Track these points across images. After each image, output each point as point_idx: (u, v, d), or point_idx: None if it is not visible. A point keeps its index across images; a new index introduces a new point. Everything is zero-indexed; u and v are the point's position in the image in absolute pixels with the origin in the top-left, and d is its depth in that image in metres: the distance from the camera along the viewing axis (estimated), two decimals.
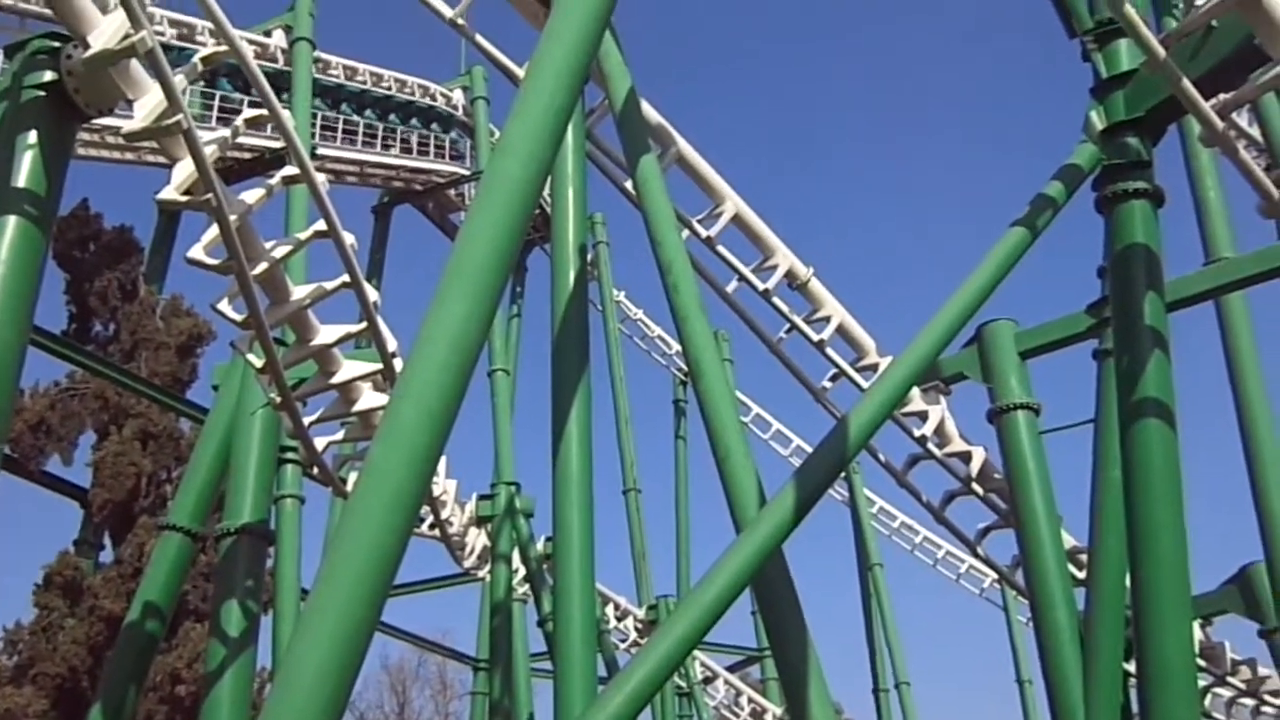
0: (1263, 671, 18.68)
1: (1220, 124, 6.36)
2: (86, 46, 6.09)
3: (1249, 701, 19.78)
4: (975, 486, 15.00)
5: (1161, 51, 6.11)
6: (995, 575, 24.85)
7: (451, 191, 31.36)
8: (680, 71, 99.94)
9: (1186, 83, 6.24)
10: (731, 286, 14.36)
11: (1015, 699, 30.45)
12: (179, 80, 6.13)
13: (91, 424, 25.62)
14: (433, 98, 30.71)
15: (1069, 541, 13.41)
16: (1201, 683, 17.50)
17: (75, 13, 6.11)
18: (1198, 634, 16.95)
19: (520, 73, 10.90)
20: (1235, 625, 15.40)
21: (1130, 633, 8.63)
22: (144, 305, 26.60)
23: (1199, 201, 13.88)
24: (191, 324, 26.37)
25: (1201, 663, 17.31)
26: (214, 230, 6.89)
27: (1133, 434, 7.02)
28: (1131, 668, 8.58)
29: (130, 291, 27.25)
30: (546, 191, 8.01)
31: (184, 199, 6.59)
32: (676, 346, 30.74)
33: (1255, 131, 16.50)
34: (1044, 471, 10.86)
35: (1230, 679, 18.75)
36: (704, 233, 13.72)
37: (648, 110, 11.69)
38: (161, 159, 6.95)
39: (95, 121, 6.83)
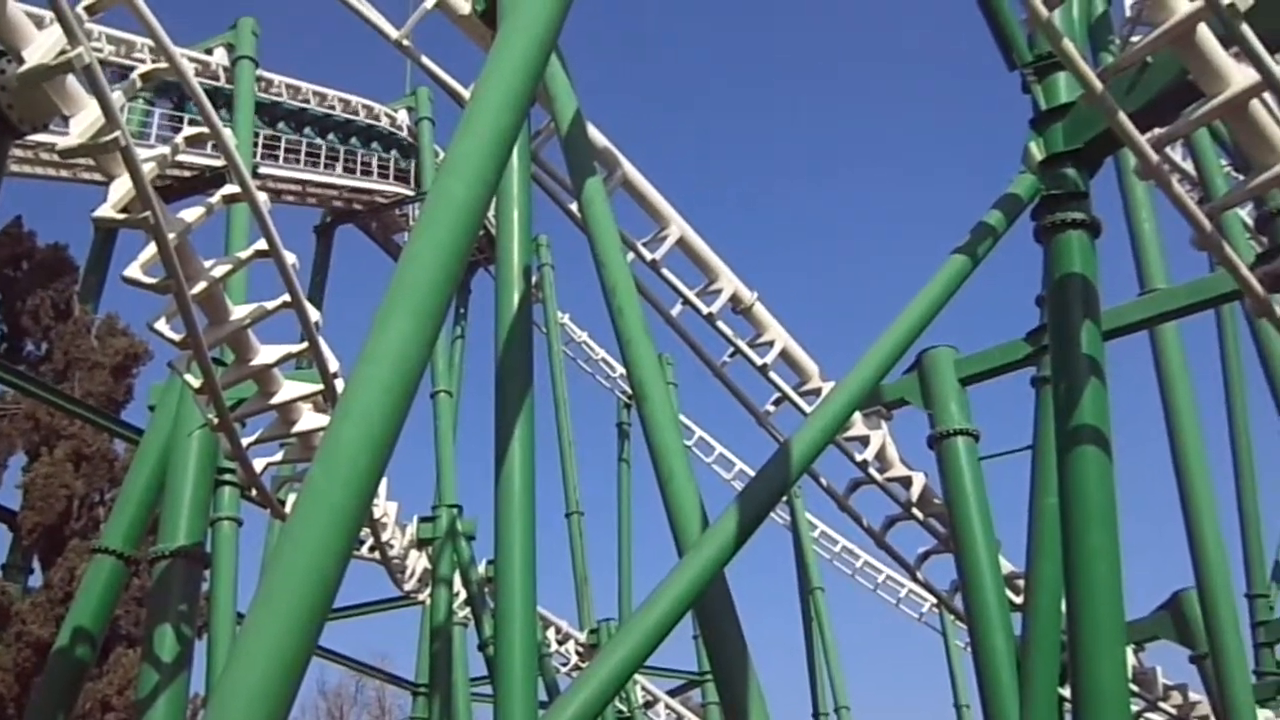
0: (1194, 696, 18.95)
1: (1155, 157, 6.50)
2: (21, 61, 5.98)
3: None
4: (915, 511, 15.12)
5: (1099, 85, 6.24)
6: (935, 600, 25.03)
7: (395, 212, 31.19)
8: (624, 96, 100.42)
9: (1123, 116, 6.37)
10: (676, 310, 14.40)
11: None
12: (117, 97, 6.04)
13: (22, 445, 25.05)
14: (376, 118, 30.54)
15: (1007, 567, 13.56)
16: (1134, 707, 17.73)
17: (10, 27, 6.01)
18: (1131, 659, 17.19)
19: (466, 94, 10.89)
20: (1167, 651, 15.65)
21: (1065, 657, 8.74)
22: (78, 324, 26.10)
23: (1134, 233, 14.17)
24: (127, 343, 25.91)
25: (1134, 688, 17.55)
26: (152, 249, 6.78)
27: (1069, 460, 7.12)
28: (1066, 692, 8.68)
29: (64, 310, 26.73)
30: (491, 213, 8.00)
31: (121, 217, 6.48)
32: (621, 369, 30.75)
33: (1189, 166, 16.95)
34: (983, 497, 10.99)
35: (1162, 704, 19.00)
36: (649, 256, 13.75)
37: (593, 133, 11.72)
38: (98, 176, 6.84)
39: (29, 138, 6.70)
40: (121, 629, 22.33)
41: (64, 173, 24.63)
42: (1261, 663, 17.85)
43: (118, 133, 6.00)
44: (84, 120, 6.11)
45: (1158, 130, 6.65)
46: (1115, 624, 6.96)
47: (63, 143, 6.18)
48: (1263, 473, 21.56)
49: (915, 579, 16.59)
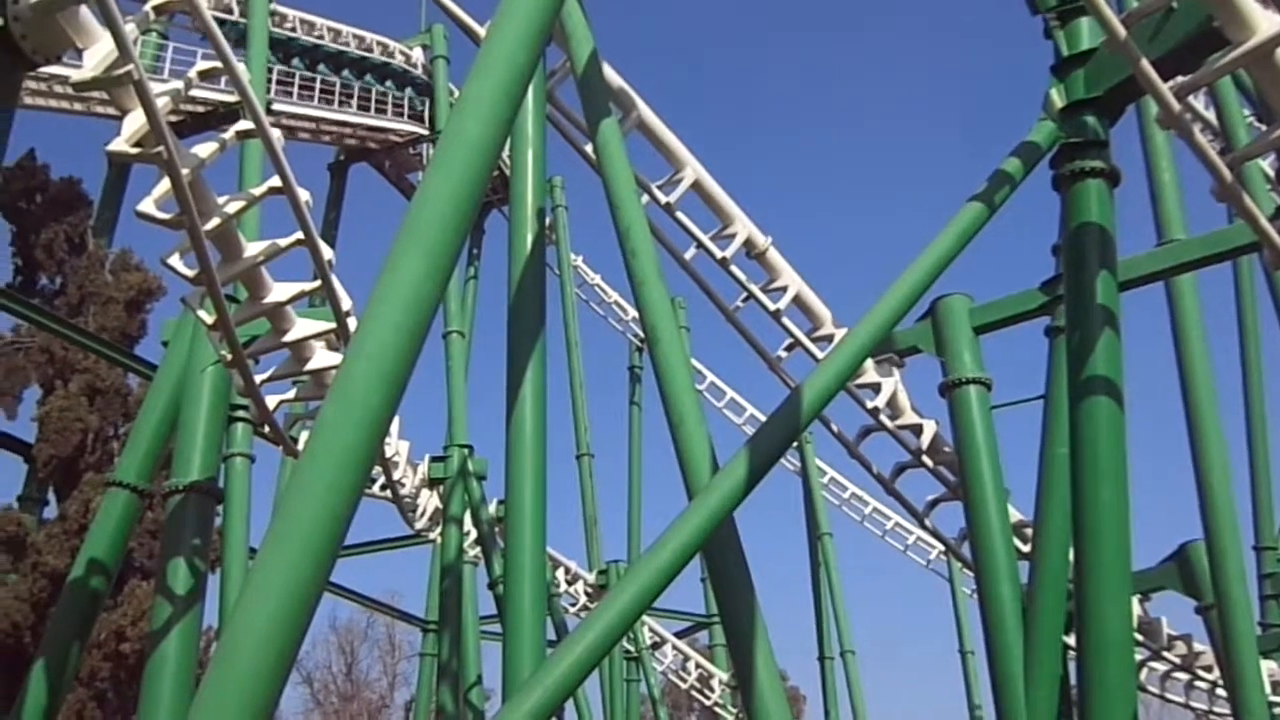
0: (1198, 647, 19.09)
1: (1177, 106, 6.40)
2: None
3: (1183, 676, 20.22)
4: (925, 459, 15.14)
5: (1122, 31, 6.14)
6: (942, 547, 25.16)
7: (409, 150, 31.04)
8: (644, 39, 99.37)
9: (1145, 63, 6.27)
10: (689, 254, 14.33)
11: (958, 669, 31.01)
12: (130, 29, 5.99)
13: (37, 378, 25.23)
14: (391, 55, 30.30)
15: (1015, 516, 13.58)
16: (1138, 656, 17.87)
17: None
18: (1136, 609, 17.28)
19: (482, 31, 10.78)
20: (1173, 601, 15.72)
21: (1071, 606, 8.79)
22: (92, 259, 26.15)
23: (1153, 183, 14.01)
24: (141, 279, 25.96)
25: (1139, 637, 17.66)
26: (165, 184, 6.76)
27: (1081, 411, 7.10)
28: (1071, 640, 8.73)
29: (78, 245, 26.78)
30: (505, 153, 7.95)
31: (134, 151, 6.45)
32: (633, 312, 30.73)
33: (1211, 115, 16.72)
34: (993, 446, 10.98)
35: (1166, 653, 19.14)
36: (663, 199, 13.66)
37: (609, 73, 11.60)
38: (112, 110, 6.79)
39: (42, 70, 6.66)
40: (135, 561, 22.62)
41: (78, 106, 24.54)
42: (1267, 614, 17.96)
43: (131, 66, 5.95)
44: (97, 53, 6.06)
45: (1180, 78, 6.56)
46: (1122, 574, 6.99)
47: (76, 75, 6.13)
48: (1274, 426, 21.53)
49: (924, 526, 16.64)
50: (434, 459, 19.70)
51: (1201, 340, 13.37)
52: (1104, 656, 6.83)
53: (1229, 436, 13.26)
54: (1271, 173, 15.85)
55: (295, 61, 28.68)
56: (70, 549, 20.86)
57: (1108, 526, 6.95)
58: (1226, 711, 19.41)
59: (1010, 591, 10.20)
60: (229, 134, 7.09)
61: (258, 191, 7.50)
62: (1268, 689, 14.98)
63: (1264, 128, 7.68)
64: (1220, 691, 19.60)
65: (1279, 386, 18.94)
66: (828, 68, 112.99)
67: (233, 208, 7.30)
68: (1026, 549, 12.47)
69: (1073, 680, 8.97)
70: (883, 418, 15.01)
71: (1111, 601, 6.89)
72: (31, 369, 25.22)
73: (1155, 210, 13.92)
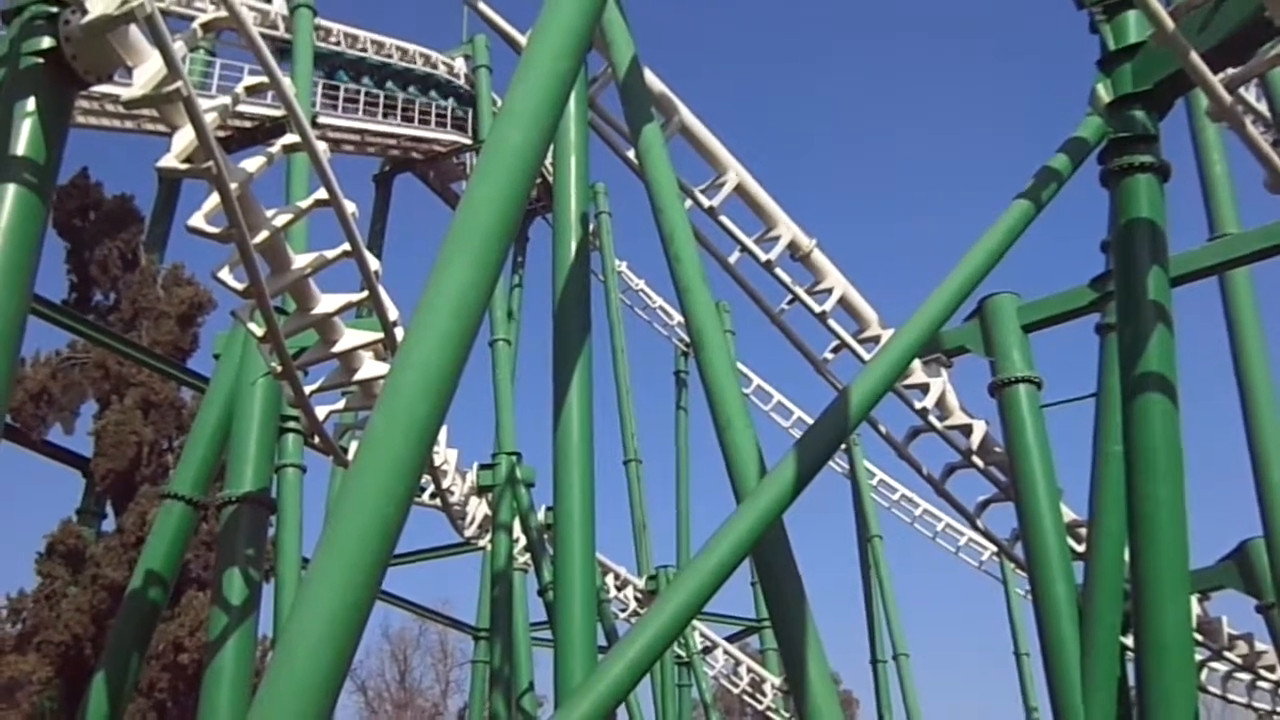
0: (1260, 646, 18.74)
1: (1228, 98, 6.31)
2: (85, 12, 6.02)
3: (1245, 676, 19.88)
4: (976, 459, 15.01)
5: (1170, 24, 6.06)
6: (994, 548, 24.87)
7: (453, 160, 31.28)
8: (683, 43, 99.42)
9: (1195, 56, 6.18)
10: (734, 257, 14.31)
11: (1013, 671, 30.66)
12: (178, 47, 6.08)
13: (93, 393, 25.62)
14: (434, 66, 30.55)
15: (1068, 515, 13.42)
16: (1198, 657, 17.58)
17: None
18: (1195, 609, 17.00)
19: (523, 40, 10.84)
20: (1233, 600, 15.45)
21: (1128, 607, 8.66)
22: (145, 274, 26.54)
23: (1205, 176, 13.81)
24: (192, 293, 26.31)
25: (1198, 637, 17.37)
26: (214, 198, 6.85)
27: (1134, 409, 7.00)
28: (1129, 641, 8.61)
29: (131, 260, 27.20)
30: (548, 160, 7.98)
31: (184, 167, 6.54)
32: (678, 317, 30.72)
33: (1263, 107, 16.45)
34: (1044, 445, 10.85)
35: (1227, 653, 18.82)
36: (706, 203, 13.66)
37: (650, 78, 11.62)
38: (161, 127, 6.90)
39: (94, 89, 6.78)
40: (192, 572, 22.88)
41: (128, 124, 24.97)
42: None
43: (180, 83, 6.04)
44: (147, 71, 6.15)
45: (1231, 70, 6.46)
46: (1180, 573, 6.88)
47: (126, 94, 6.23)
48: None
49: (975, 527, 16.49)
50: (482, 467, 19.80)
51: (1257, 335, 13.16)
52: (1163, 658, 6.72)
53: None
54: None
55: (340, 75, 29.00)
56: (128, 561, 21.17)
57: (1164, 525, 6.85)
58: None
59: (1065, 592, 10.07)
60: (276, 148, 7.17)
61: (305, 204, 7.58)
62: None
63: None
64: None
65: None
66: (876, 70, 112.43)
67: (280, 221, 7.39)
68: (1080, 549, 12.32)
69: (1131, 682, 8.85)
70: (931, 418, 14.91)
71: (1169, 601, 6.78)
72: (88, 384, 25.63)
73: (1207, 204, 13.72)
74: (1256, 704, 21.14)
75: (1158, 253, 7.19)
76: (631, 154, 10.70)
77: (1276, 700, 20.69)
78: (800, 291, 14.72)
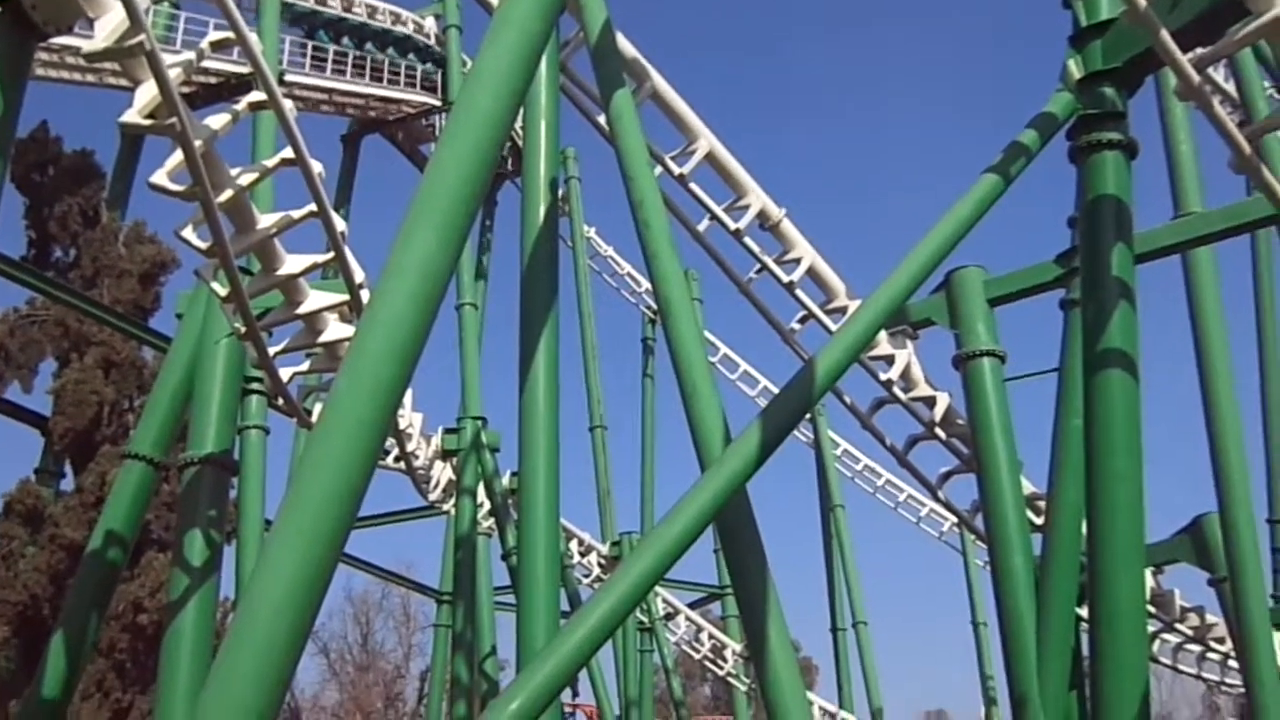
0: (1210, 619, 19.11)
1: (1196, 78, 6.33)
2: None
3: (1196, 647, 20.26)
4: (939, 431, 15.13)
5: (1142, 2, 6.07)
6: (955, 519, 25.19)
7: (422, 121, 30.98)
8: (652, 22, 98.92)
9: (1165, 34, 6.20)
10: (703, 225, 14.30)
11: (970, 640, 31.08)
12: None
13: (52, 351, 25.35)
14: (403, 24, 30.18)
15: (1028, 488, 13.57)
16: (1151, 628, 17.89)
17: None
18: (1149, 581, 17.28)
19: (495, 0, 10.72)
20: (1186, 573, 15.72)
21: (1084, 578, 8.79)
22: (106, 231, 26.21)
23: (1171, 155, 13.90)
24: (155, 251, 26.03)
25: (1152, 609, 17.67)
26: (178, 156, 6.74)
27: (1095, 384, 7.07)
28: (1084, 612, 8.74)
29: (92, 217, 26.83)
30: (518, 124, 7.92)
31: (147, 123, 6.43)
32: (646, 284, 30.70)
33: (1231, 87, 16.56)
34: (1006, 418, 10.95)
35: (1179, 625, 19.18)
36: (677, 170, 13.62)
37: (623, 44, 11.54)
38: (124, 81, 6.77)
39: (54, 41, 6.64)
40: (152, 533, 22.77)
41: (90, 77, 24.54)
42: (1279, 586, 17.93)
43: (143, 36, 5.92)
44: (108, 23, 6.02)
45: (1200, 50, 6.48)
46: (1135, 546, 6.98)
47: (87, 46, 6.10)
48: None
49: (936, 498, 16.65)
50: (447, 431, 19.76)
51: (1218, 313, 13.29)
52: (1116, 628, 6.83)
53: (1243, 410, 13.22)
54: None
55: (308, 32, 28.61)
56: (88, 521, 21.02)
57: (1121, 499, 6.93)
58: (1238, 683, 19.42)
59: (1023, 563, 10.21)
60: (241, 105, 7.06)
61: (270, 163, 7.48)
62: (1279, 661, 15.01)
63: None
64: (1232, 663, 19.65)
65: None
66: (851, 46, 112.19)
67: (246, 179, 7.29)
68: (1039, 521, 12.47)
69: (1085, 652, 8.99)
70: (896, 390, 15.00)
71: (1124, 573, 6.88)
72: (46, 342, 25.34)
73: (1172, 183, 13.82)
74: (1206, 675, 21.58)
75: (1123, 230, 7.24)
76: (602, 119, 10.64)
77: (1225, 672, 21.12)
78: (769, 261, 14.73)
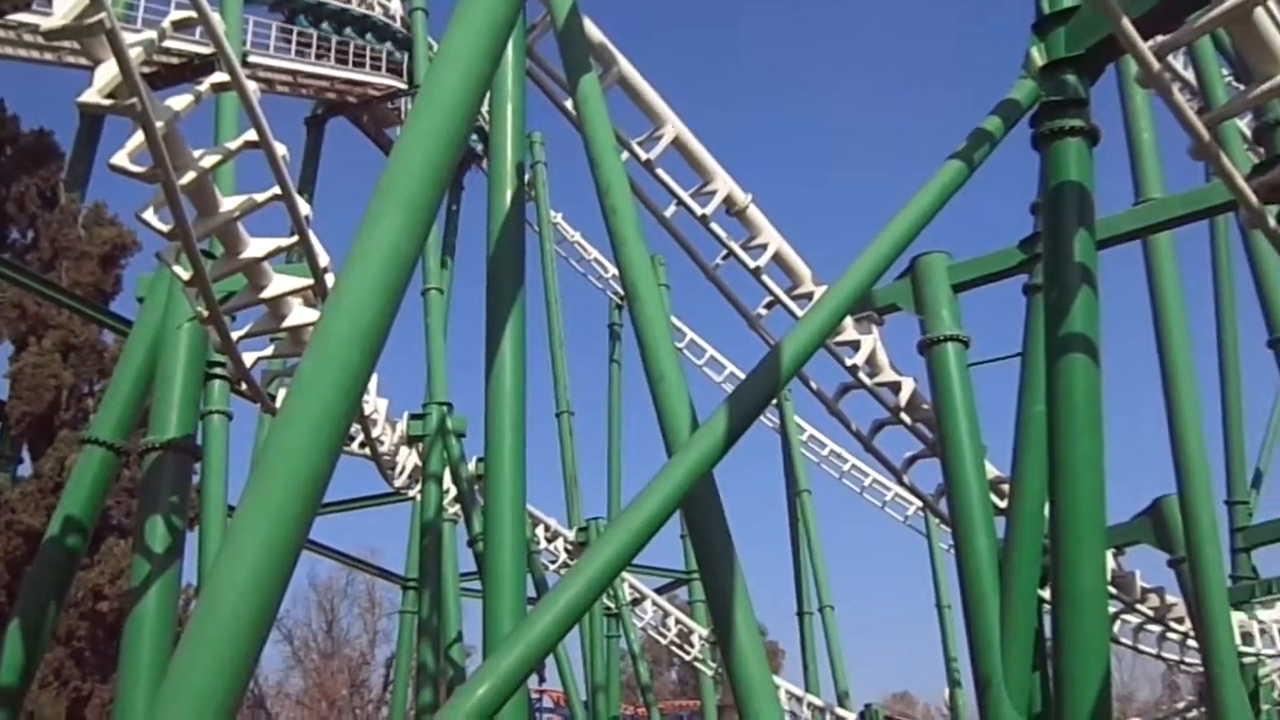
0: (1170, 599, 19.38)
1: (1157, 65, 6.39)
2: None
3: (1156, 628, 20.54)
4: (904, 416, 15.22)
5: None
6: (920, 503, 25.37)
7: (388, 105, 30.76)
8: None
9: (1126, 22, 6.25)
10: (670, 211, 14.29)
11: (934, 623, 31.38)
12: None
13: (9, 334, 25.01)
14: (370, 7, 29.93)
15: (992, 472, 13.68)
16: (1112, 609, 18.13)
17: None
18: (1110, 563, 17.50)
19: None
20: (1147, 555, 15.94)
21: (1047, 560, 8.89)
22: (64, 213, 25.88)
23: (1132, 142, 14.02)
24: (115, 233, 25.73)
25: (1113, 590, 17.90)
26: (139, 137, 6.66)
27: (1058, 368, 7.14)
28: (1046, 594, 8.84)
29: (50, 198, 26.47)
30: (485, 108, 7.87)
31: (107, 103, 6.35)
32: (613, 270, 30.66)
33: (1190, 74, 16.72)
34: (970, 403, 11.03)
35: (1139, 606, 19.44)
36: (644, 155, 13.60)
37: (590, 28, 11.49)
38: (84, 60, 6.68)
39: (10, 17, 6.53)
40: (113, 519, 22.58)
41: (48, 55, 24.15)
42: (1238, 567, 18.22)
43: (103, 14, 5.84)
44: (68, 0, 5.95)
45: (1160, 37, 6.55)
46: (1097, 528, 7.06)
47: (46, 23, 6.01)
48: (1247, 382, 21.79)
49: (902, 483, 16.77)
50: (413, 416, 19.68)
51: (1178, 298, 13.45)
52: (1078, 609, 6.91)
53: (1203, 393, 13.39)
54: (1248, 132, 15.91)
55: (272, 13, 28.30)
56: (46, 507, 20.80)
57: (1083, 482, 7.01)
58: (1197, 662, 19.75)
59: (987, 546, 10.30)
60: (204, 86, 6.98)
61: (234, 145, 7.40)
62: (1238, 640, 15.25)
63: (1242, 87, 7.69)
64: (1191, 643, 19.95)
65: (1252, 343, 19.10)
66: (811, 25, 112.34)
67: (208, 162, 7.21)
68: (1003, 504, 12.58)
69: (1048, 633, 9.10)
70: (861, 375, 15.07)
71: (1086, 555, 6.96)
72: (3, 325, 25.00)
73: (1134, 169, 13.94)
74: (1166, 655, 21.88)
75: (1085, 216, 7.30)
76: (569, 104, 10.60)
77: (1185, 651, 21.43)
78: (735, 246, 14.75)
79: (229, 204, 7.61)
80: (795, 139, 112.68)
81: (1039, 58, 7.69)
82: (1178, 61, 17.25)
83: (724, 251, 14.79)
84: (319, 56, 28.67)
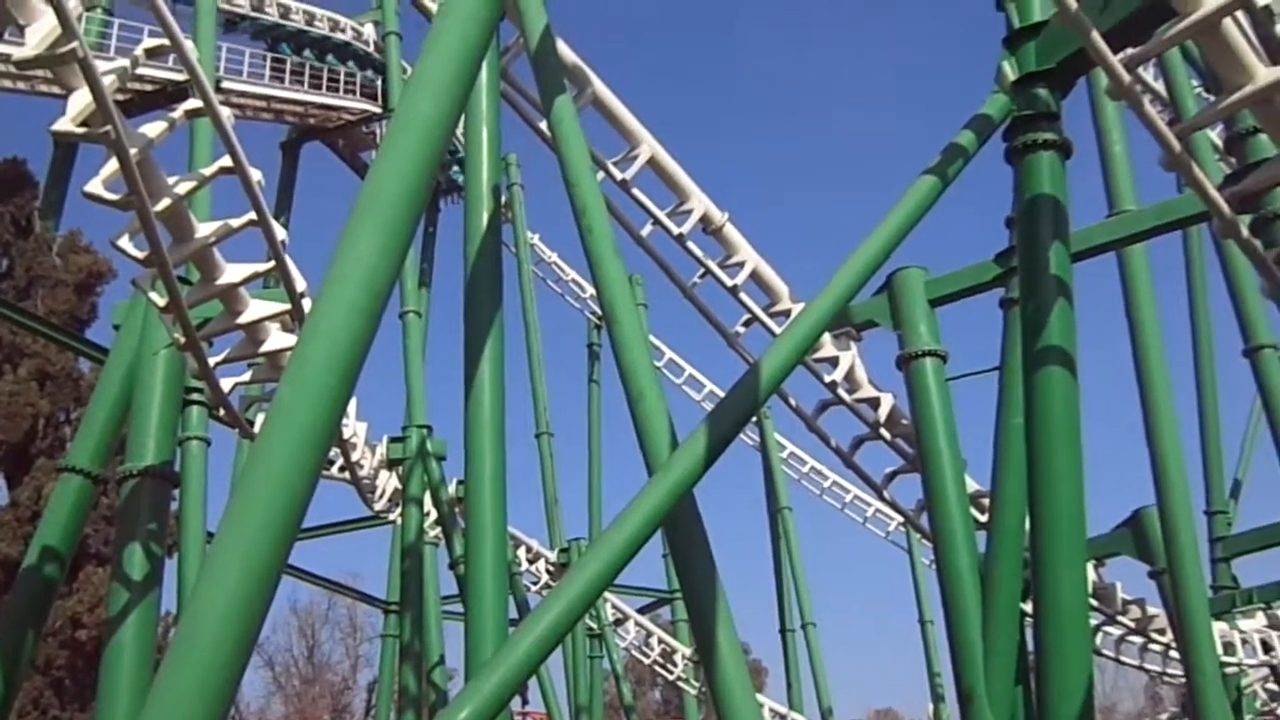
0: (1151, 610, 19.45)
1: (1127, 77, 6.46)
2: None
3: (1137, 639, 20.61)
4: (883, 431, 15.25)
5: (1073, 4, 6.18)
6: (901, 519, 25.40)
7: (362, 129, 30.74)
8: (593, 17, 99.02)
9: (1096, 35, 6.31)
10: (646, 230, 14.31)
11: (917, 638, 31.38)
12: (74, 5, 5.86)
13: None
14: (343, 31, 29.94)
15: (972, 486, 13.73)
16: (1094, 621, 18.17)
17: None
18: (1091, 575, 17.56)
19: (434, 7, 10.66)
20: (1127, 566, 16.00)
21: (1028, 574, 8.92)
22: (39, 241, 25.74)
23: (1105, 154, 14.15)
24: (90, 261, 25.60)
25: (1094, 602, 17.96)
26: (113, 164, 6.64)
27: (1035, 381, 7.18)
28: (1028, 607, 8.86)
29: (24, 227, 26.32)
30: (460, 131, 7.88)
31: (81, 131, 6.33)
32: (591, 290, 30.66)
33: (1160, 86, 16.90)
34: (949, 417, 11.08)
35: (1121, 617, 19.51)
36: (619, 175, 13.62)
37: (563, 49, 11.53)
38: (56, 89, 6.67)
39: None
40: (91, 547, 22.39)
41: (21, 85, 24.05)
42: (1218, 577, 18.32)
43: (75, 43, 5.83)
44: (40, 30, 5.92)
45: (1130, 50, 6.62)
46: (1077, 541, 7.09)
47: (18, 53, 5.99)
48: (1224, 393, 21.92)
49: (882, 498, 16.78)
50: (392, 440, 19.60)
51: (1153, 309, 13.55)
52: (1060, 622, 6.93)
53: (1180, 404, 13.48)
54: (1219, 142, 16.07)
55: (246, 39, 28.28)
56: (23, 536, 20.61)
57: (1063, 494, 7.04)
58: (1179, 673, 19.80)
59: (968, 561, 10.33)
60: (178, 113, 6.97)
61: (208, 171, 7.39)
62: (1219, 650, 15.32)
63: (1211, 98, 7.77)
64: (1174, 654, 20.00)
65: (1228, 354, 19.25)
66: (793, 46, 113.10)
67: (183, 188, 7.19)
68: (984, 519, 12.62)
69: (1030, 646, 9.12)
70: (841, 391, 15.10)
71: (1067, 568, 6.98)
72: None
73: (1107, 181, 14.06)
74: (1148, 666, 21.94)
75: (1059, 228, 7.36)
76: (544, 125, 10.62)
77: (1166, 662, 21.49)
78: (712, 265, 14.77)
79: (204, 230, 7.58)
80: (772, 157, 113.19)
81: (1011, 72, 7.75)
82: (1148, 74, 17.43)
83: (701, 270, 14.81)
84: (293, 81, 28.64)
